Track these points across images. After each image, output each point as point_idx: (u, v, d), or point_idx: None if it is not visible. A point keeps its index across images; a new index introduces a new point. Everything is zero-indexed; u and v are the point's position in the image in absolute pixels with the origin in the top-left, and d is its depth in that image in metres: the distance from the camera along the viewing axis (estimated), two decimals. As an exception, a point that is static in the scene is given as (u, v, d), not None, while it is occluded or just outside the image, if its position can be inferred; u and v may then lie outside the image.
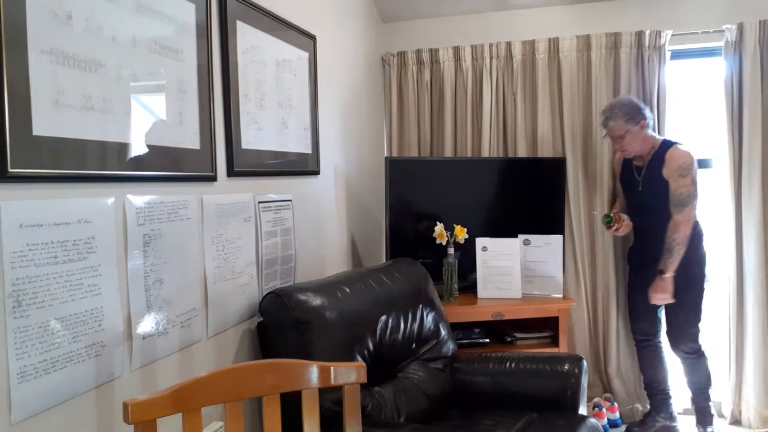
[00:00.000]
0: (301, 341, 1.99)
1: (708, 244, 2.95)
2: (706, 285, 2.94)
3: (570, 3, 3.40)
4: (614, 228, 2.96)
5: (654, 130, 2.99)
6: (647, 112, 2.91)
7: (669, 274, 2.80)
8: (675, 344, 2.96)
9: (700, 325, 2.93)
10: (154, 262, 1.68)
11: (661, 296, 2.84)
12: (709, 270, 2.95)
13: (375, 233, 3.50)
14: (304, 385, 1.47)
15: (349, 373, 1.51)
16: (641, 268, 3.04)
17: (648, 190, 2.93)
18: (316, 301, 2.06)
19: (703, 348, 2.96)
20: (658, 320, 3.07)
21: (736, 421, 3.20)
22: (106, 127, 1.51)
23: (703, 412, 3.01)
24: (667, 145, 2.89)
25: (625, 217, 3.01)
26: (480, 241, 3.06)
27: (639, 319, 3.11)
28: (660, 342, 3.09)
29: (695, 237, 2.88)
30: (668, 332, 2.99)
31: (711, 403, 3.02)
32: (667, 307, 2.94)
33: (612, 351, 3.35)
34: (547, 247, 3.11)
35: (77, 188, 1.44)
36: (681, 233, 2.79)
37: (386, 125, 3.68)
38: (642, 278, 3.00)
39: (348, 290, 2.20)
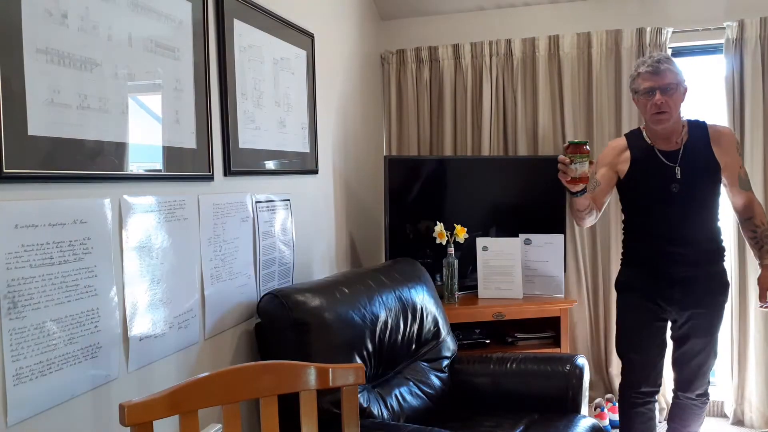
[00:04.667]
0: (300, 342, 1.98)
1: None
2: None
3: (570, 0, 3.39)
4: (585, 171, 2.18)
5: None
6: None
7: None
8: (689, 388, 2.41)
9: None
10: (150, 262, 1.67)
11: None
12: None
13: (374, 233, 3.49)
14: (302, 387, 1.46)
15: (348, 375, 1.50)
16: (655, 292, 2.35)
17: (691, 176, 2.27)
18: (314, 301, 2.05)
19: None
20: (662, 367, 2.46)
21: (739, 421, 3.19)
22: (101, 127, 1.50)
23: None
24: (700, 120, 2.34)
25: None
26: (480, 241, 3.05)
27: (645, 366, 2.40)
28: (656, 401, 2.49)
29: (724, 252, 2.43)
30: (684, 373, 2.40)
31: None
32: (691, 343, 2.35)
33: (613, 351, 3.33)
34: (548, 247, 3.09)
35: (73, 188, 1.43)
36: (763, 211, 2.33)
37: (385, 124, 3.67)
38: (653, 306, 2.36)
39: (347, 291, 2.19)
